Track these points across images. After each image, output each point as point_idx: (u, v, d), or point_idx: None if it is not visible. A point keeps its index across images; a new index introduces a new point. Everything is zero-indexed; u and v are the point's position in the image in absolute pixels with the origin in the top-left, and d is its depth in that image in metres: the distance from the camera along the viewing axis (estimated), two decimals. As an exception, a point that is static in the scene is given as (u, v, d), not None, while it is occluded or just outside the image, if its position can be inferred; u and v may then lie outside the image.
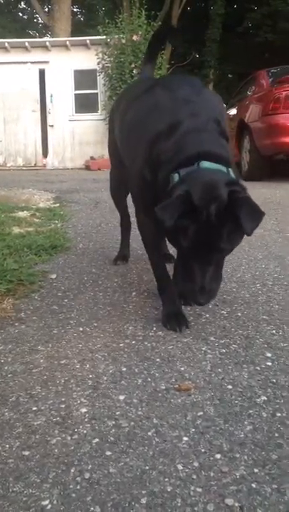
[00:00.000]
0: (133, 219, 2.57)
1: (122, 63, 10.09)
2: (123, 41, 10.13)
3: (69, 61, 10.79)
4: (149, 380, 1.29)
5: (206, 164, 1.43)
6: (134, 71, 10.19)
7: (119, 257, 2.47)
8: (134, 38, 10.12)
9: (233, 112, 7.65)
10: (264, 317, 1.71)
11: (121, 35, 10.13)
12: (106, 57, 10.31)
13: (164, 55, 11.07)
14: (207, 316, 1.74)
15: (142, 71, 2.40)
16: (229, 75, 19.76)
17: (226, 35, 16.62)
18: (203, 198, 1.34)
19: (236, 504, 0.84)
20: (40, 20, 19.19)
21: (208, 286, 1.43)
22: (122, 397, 1.20)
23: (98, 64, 10.38)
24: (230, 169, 1.47)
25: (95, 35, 10.95)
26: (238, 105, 7.56)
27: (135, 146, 1.73)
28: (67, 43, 10.82)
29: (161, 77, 2.24)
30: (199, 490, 0.87)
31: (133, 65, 10.17)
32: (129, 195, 2.46)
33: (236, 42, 17.23)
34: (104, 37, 10.31)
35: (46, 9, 16.79)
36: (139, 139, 1.69)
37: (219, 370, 1.34)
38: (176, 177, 1.44)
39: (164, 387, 1.25)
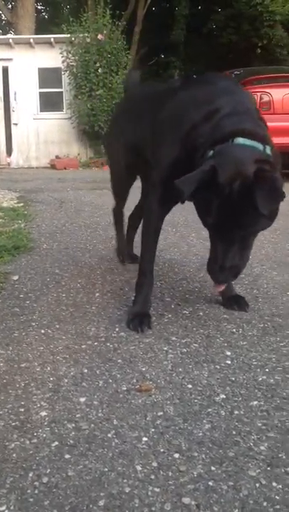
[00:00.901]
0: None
1: (86, 62, 10.04)
2: (88, 40, 10.07)
3: (33, 59, 10.64)
4: (111, 381, 1.29)
5: (239, 140, 1.41)
6: (99, 70, 10.15)
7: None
8: (99, 37, 10.08)
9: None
10: (225, 316, 1.74)
11: (86, 34, 10.08)
12: (71, 55, 10.23)
13: (130, 55, 11.06)
14: (170, 316, 1.75)
15: (131, 76, 2.35)
16: (194, 76, 19.90)
17: (191, 36, 16.74)
18: (227, 174, 1.33)
19: (193, 503, 0.85)
20: (3, 18, 18.85)
21: (229, 263, 1.42)
22: (82, 400, 1.20)
23: (63, 62, 10.29)
24: (267, 146, 1.44)
25: (60, 34, 10.85)
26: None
27: (169, 138, 1.69)
28: (31, 40, 10.66)
29: (195, 76, 2.11)
30: (157, 490, 0.88)
31: (98, 64, 10.13)
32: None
33: (201, 43, 17.37)
34: (68, 35, 10.22)
35: (10, 6, 16.51)
36: (174, 132, 1.65)
37: (180, 369, 1.35)
38: (210, 153, 1.43)
39: (125, 388, 1.25)
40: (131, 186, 2.32)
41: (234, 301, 1.82)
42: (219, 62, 14.50)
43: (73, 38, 10.20)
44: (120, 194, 2.39)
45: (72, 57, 10.23)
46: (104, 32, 10.14)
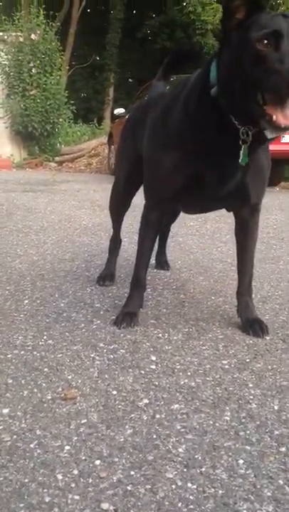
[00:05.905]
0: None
1: (20, 62, 9.87)
2: (21, 39, 9.90)
3: None
4: (36, 390, 1.29)
5: None
6: (33, 70, 10.00)
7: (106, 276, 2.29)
8: (33, 36, 9.95)
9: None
10: (152, 321, 1.79)
11: (18, 33, 9.91)
12: (3, 54, 10.01)
13: (64, 56, 10.98)
14: (98, 322, 1.77)
15: (155, 87, 2.31)
16: (130, 80, 20.08)
17: (126, 40, 16.88)
18: None
19: (111, 508, 0.88)
20: None
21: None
22: (5, 411, 1.19)
23: (-5, 61, 10.05)
24: None
25: (-9, 31, 10.58)
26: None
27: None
28: None
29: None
30: (77, 497, 0.90)
31: (32, 64, 9.98)
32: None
33: (136, 48, 17.58)
34: (0, 34, 10.00)
35: None
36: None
37: (106, 376, 1.38)
38: None
39: (50, 397, 1.26)
40: (127, 207, 2.20)
41: (250, 325, 1.72)
42: (154, 67, 14.70)
43: (6, 37, 9.99)
44: (116, 216, 2.26)
45: (5, 56, 10.02)
46: (38, 32, 10.01)
